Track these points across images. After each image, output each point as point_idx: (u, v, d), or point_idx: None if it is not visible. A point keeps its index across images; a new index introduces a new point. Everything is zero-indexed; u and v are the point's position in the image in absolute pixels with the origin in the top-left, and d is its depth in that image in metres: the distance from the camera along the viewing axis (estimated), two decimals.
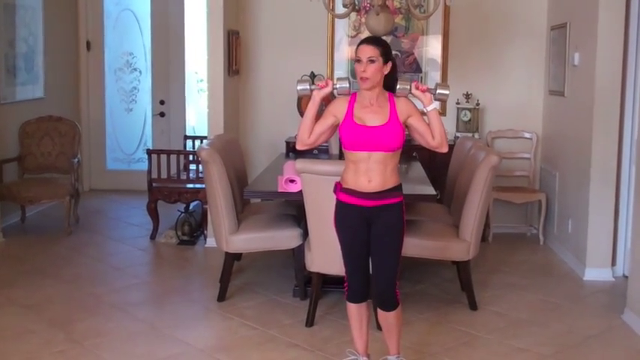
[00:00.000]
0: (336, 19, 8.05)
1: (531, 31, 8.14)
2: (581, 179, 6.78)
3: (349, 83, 4.21)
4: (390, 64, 4.19)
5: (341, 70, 8.26)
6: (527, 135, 8.12)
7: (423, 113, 4.25)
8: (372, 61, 4.09)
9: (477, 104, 8.01)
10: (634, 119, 6.41)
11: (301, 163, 5.05)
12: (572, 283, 6.57)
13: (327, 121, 4.26)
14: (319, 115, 4.30)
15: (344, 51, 8.29)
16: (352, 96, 4.25)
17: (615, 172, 6.57)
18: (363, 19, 7.76)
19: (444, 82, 7.98)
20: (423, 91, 4.18)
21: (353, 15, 7.42)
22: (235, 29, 7.97)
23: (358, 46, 4.19)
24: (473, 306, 5.80)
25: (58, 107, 9.03)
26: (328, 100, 4.45)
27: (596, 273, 6.59)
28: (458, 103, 8.00)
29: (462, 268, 5.94)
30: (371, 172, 4.14)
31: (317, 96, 4.23)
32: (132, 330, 5.32)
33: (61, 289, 6.18)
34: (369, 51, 4.11)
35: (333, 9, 7.15)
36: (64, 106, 9.47)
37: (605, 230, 6.61)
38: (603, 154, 6.52)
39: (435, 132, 4.17)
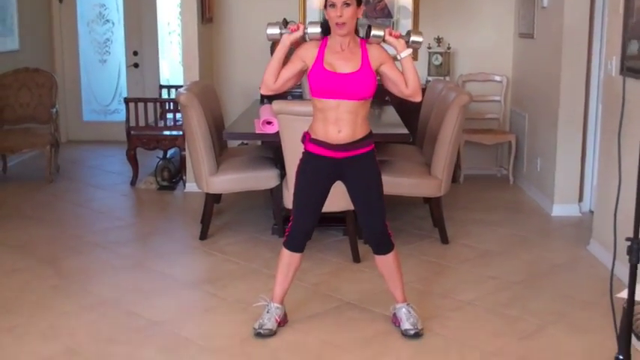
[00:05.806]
0: None
1: None
2: (549, 120, 6.95)
3: (321, 28, 4.02)
4: (362, 7, 4.03)
5: (313, 17, 8.27)
6: (497, 78, 8.29)
7: (395, 59, 4.11)
8: (348, 5, 3.88)
9: (448, 48, 8.15)
10: (601, 59, 6.52)
11: (278, 105, 5.14)
12: (541, 218, 6.80)
13: (295, 66, 4.07)
14: (288, 58, 4.10)
15: None
16: (323, 41, 4.05)
17: (583, 111, 6.74)
18: None
19: (415, 28, 8.09)
20: (397, 38, 4.05)
21: None
22: None
23: None
24: (444, 240, 6.01)
25: (33, 59, 9.05)
26: (298, 44, 4.15)
27: (563, 209, 6.80)
28: (429, 48, 8.14)
29: (433, 204, 6.13)
30: (340, 122, 4.00)
31: (287, 39, 4.02)
32: (118, 266, 5.48)
33: (46, 231, 6.30)
34: None
35: None
36: (39, 58, 9.48)
37: (572, 168, 6.80)
38: (571, 95, 6.68)
39: (409, 80, 4.04)
